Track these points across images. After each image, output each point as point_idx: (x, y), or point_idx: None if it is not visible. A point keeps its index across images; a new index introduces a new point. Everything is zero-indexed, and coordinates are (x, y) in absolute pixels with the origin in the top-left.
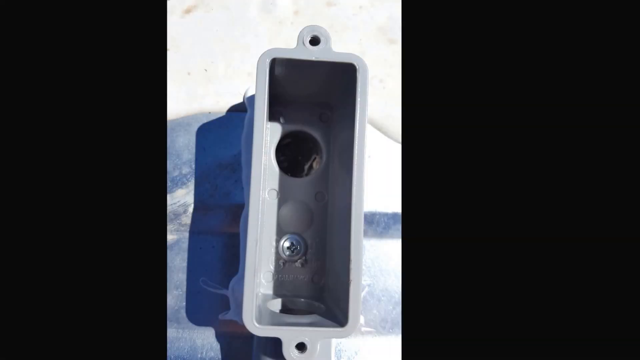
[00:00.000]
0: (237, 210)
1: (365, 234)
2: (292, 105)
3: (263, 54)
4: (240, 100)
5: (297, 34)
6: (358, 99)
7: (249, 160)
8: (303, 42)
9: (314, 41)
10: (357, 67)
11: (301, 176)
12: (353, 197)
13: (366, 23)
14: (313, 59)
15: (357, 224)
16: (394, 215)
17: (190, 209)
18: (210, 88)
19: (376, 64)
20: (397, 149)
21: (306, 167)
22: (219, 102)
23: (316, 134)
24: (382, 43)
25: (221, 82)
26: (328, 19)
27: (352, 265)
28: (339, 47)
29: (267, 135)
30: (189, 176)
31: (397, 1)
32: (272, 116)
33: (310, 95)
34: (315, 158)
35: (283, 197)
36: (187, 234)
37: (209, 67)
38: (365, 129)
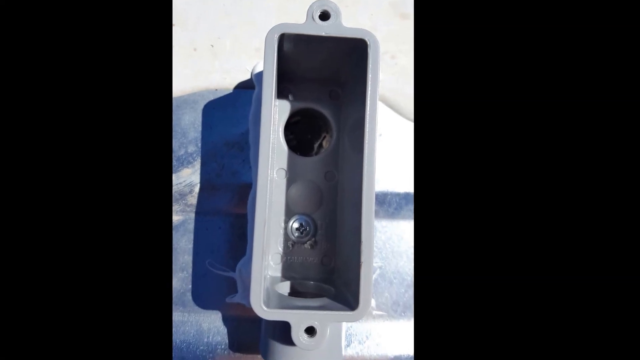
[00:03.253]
0: (244, 190)
1: (377, 214)
2: (301, 82)
3: (271, 29)
4: (247, 76)
5: (307, 9)
6: (369, 76)
7: (257, 138)
8: (312, 17)
9: (324, 16)
10: (369, 43)
11: (311, 155)
12: (364, 177)
13: None
14: (323, 34)
15: (368, 205)
16: (406, 195)
17: (197, 189)
18: (217, 64)
19: (388, 39)
20: (409, 127)
21: (316, 145)
22: (225, 79)
23: (326, 112)
24: (393, 18)
25: (228, 58)
26: None
27: (364, 247)
28: (350, 22)
29: (275, 113)
30: (195, 155)
31: None
32: (281, 93)
33: (320, 71)
34: (325, 136)
35: (292, 176)
36: (193, 215)
37: (215, 43)
38: (377, 107)
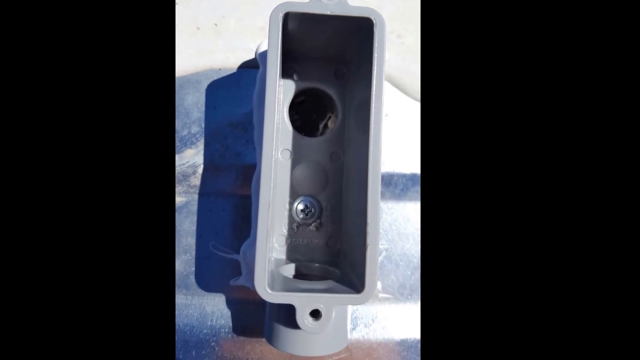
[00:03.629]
0: (248, 171)
1: (383, 196)
2: (306, 61)
3: (276, 8)
4: (252, 56)
5: None
6: (375, 55)
7: (261, 119)
8: None
9: None
10: (375, 22)
11: (316, 135)
12: (370, 158)
13: None
14: (328, 12)
15: (374, 186)
16: (413, 176)
17: (200, 170)
18: (221, 43)
19: (394, 18)
20: (415, 106)
21: (321, 126)
22: (229, 58)
23: (331, 92)
24: None
25: (232, 37)
26: None
27: (370, 229)
28: (355, 0)
29: (279, 93)
30: (198, 135)
31: None
32: (285, 73)
33: (325, 50)
34: (330, 116)
35: (297, 157)
36: (196, 196)
37: (219, 22)
38: (383, 87)
